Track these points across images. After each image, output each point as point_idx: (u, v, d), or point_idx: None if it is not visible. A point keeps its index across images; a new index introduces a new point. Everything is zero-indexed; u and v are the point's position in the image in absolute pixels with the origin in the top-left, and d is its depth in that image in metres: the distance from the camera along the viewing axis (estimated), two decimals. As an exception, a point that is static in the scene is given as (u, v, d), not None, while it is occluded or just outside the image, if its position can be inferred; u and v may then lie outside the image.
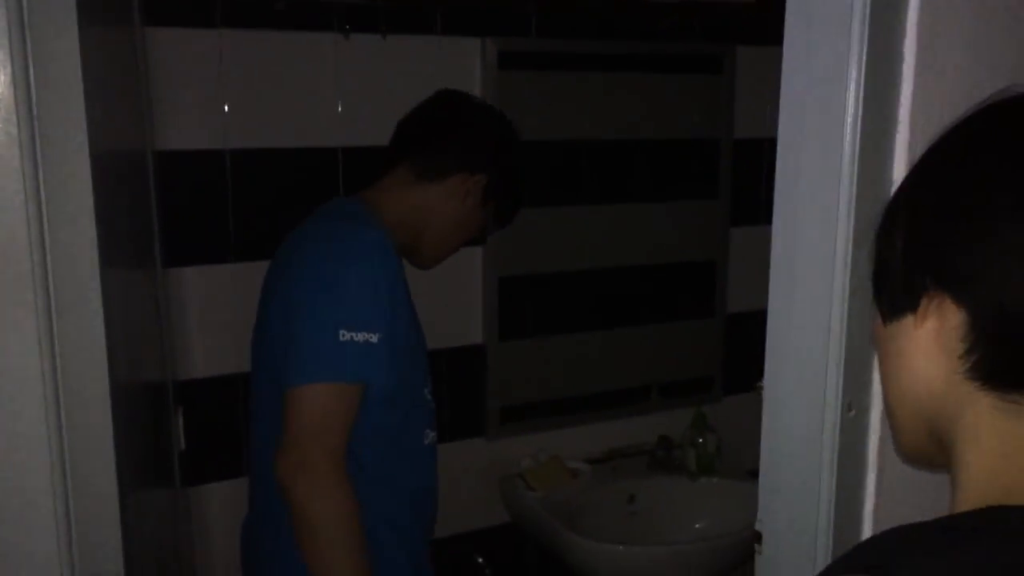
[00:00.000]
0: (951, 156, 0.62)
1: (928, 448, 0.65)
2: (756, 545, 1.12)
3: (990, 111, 0.61)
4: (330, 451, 1.27)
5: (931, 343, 0.60)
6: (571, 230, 2.12)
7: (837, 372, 0.94)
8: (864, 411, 0.98)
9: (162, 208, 1.60)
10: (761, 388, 1.06)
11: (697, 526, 2.15)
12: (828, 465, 0.98)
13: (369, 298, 1.30)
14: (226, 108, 1.72)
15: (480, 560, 2.08)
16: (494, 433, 2.09)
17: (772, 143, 1.03)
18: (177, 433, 1.58)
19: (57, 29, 0.68)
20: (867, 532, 1.05)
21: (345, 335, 1.27)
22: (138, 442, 1.06)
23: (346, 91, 1.80)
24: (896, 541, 0.57)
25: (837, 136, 0.94)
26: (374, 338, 1.28)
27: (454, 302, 1.99)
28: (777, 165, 1.01)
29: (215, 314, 1.77)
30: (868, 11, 0.90)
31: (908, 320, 0.61)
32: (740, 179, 2.25)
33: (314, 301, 1.29)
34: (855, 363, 0.95)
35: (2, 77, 0.61)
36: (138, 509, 0.99)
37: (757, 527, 1.11)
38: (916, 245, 0.61)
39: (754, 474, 1.07)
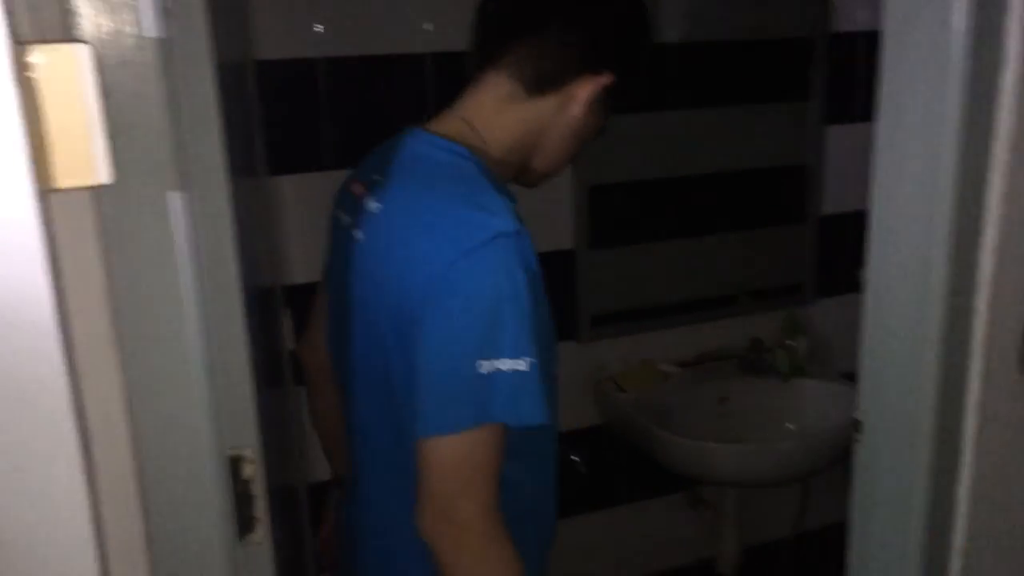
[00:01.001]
0: None
1: None
2: (855, 434, 1.14)
3: None
4: (483, 506, 1.03)
5: None
6: (660, 137, 2.11)
7: (942, 256, 0.94)
8: (970, 296, 0.98)
9: (263, 116, 1.65)
10: (862, 276, 1.06)
11: (789, 426, 2.17)
12: (931, 352, 0.99)
13: (513, 314, 1.01)
14: (318, 19, 1.75)
15: (575, 458, 2.15)
16: (586, 338, 2.13)
17: (868, 36, 1.01)
18: (286, 335, 1.66)
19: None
20: (971, 422, 1.05)
21: (486, 366, 1.00)
22: (261, 340, 1.12)
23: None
24: None
25: (946, 17, 0.91)
26: (523, 364, 1.01)
27: (544, 208, 2.01)
28: (882, 53, 0.99)
29: (312, 221, 1.82)
30: None
31: None
32: (836, 76, 2.18)
33: (443, 325, 1.01)
34: (962, 246, 0.94)
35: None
36: (265, 400, 1.06)
37: (857, 416, 1.13)
38: None
39: (846, 376, 1.08)
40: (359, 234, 1.18)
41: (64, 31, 0.62)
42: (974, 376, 1.02)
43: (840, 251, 2.25)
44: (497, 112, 1.17)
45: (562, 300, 2.10)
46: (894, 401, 1.06)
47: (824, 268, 2.32)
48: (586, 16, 1.16)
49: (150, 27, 0.67)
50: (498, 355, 1.01)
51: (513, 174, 1.24)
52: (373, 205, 1.16)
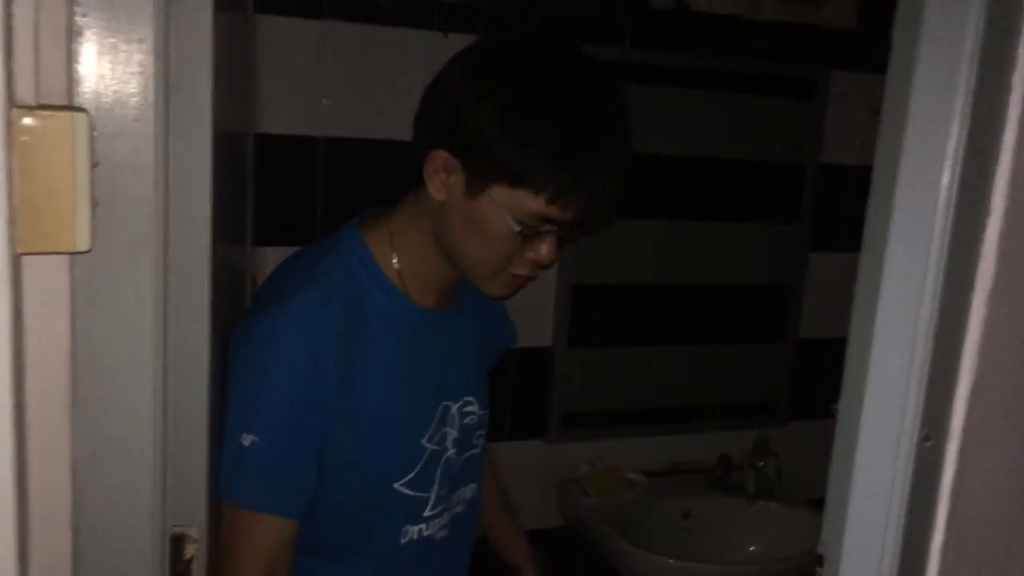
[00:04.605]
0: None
1: None
2: (817, 568, 1.12)
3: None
4: None
5: None
6: (648, 243, 2.13)
7: (917, 400, 0.94)
8: (942, 442, 0.97)
9: (256, 187, 1.66)
10: (836, 410, 1.05)
11: (751, 549, 2.14)
12: (898, 494, 0.97)
13: (267, 390, 1.04)
14: (324, 97, 1.78)
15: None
16: (555, 437, 2.11)
17: (858, 170, 1.03)
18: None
19: (193, 10, 0.72)
20: (933, 567, 1.03)
21: (247, 438, 1.03)
22: (220, 413, 1.10)
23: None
24: None
25: (936, 168, 0.93)
26: (247, 441, 1.03)
27: (525, 304, 2.00)
28: (871, 188, 1.01)
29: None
30: (978, 49, 0.90)
31: None
32: (823, 204, 2.23)
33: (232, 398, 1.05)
34: (936, 392, 0.94)
35: (146, 45, 0.65)
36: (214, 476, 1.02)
37: (819, 550, 1.11)
38: None
39: (813, 503, 1.08)
40: None
41: (66, 97, 0.62)
42: (939, 526, 1.01)
43: (816, 375, 2.26)
44: (404, 215, 1.13)
45: (535, 397, 2.08)
46: (857, 541, 1.05)
47: (799, 390, 2.32)
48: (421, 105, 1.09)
49: (151, 100, 0.67)
50: (248, 430, 1.05)
51: (448, 287, 1.17)
52: None
